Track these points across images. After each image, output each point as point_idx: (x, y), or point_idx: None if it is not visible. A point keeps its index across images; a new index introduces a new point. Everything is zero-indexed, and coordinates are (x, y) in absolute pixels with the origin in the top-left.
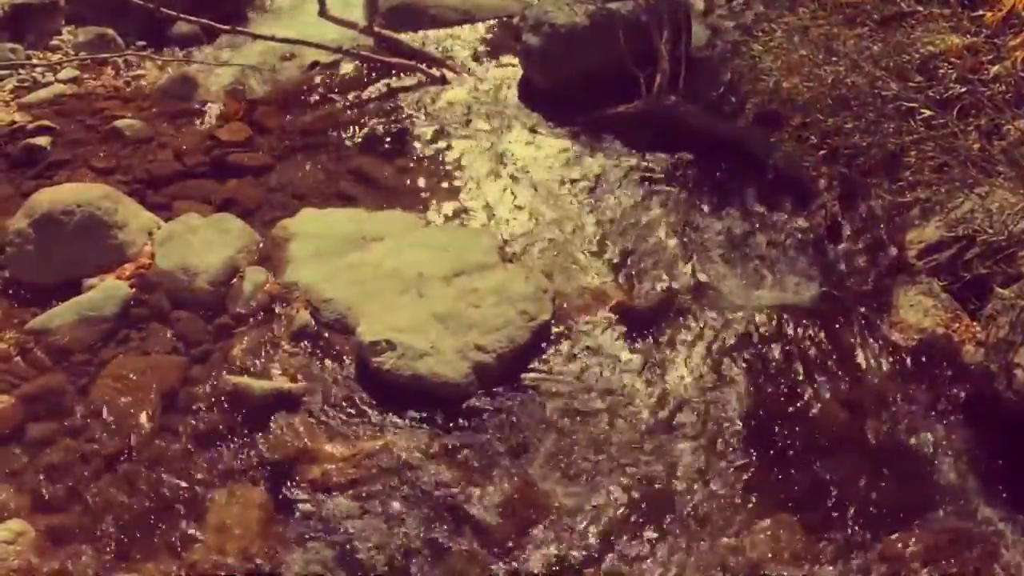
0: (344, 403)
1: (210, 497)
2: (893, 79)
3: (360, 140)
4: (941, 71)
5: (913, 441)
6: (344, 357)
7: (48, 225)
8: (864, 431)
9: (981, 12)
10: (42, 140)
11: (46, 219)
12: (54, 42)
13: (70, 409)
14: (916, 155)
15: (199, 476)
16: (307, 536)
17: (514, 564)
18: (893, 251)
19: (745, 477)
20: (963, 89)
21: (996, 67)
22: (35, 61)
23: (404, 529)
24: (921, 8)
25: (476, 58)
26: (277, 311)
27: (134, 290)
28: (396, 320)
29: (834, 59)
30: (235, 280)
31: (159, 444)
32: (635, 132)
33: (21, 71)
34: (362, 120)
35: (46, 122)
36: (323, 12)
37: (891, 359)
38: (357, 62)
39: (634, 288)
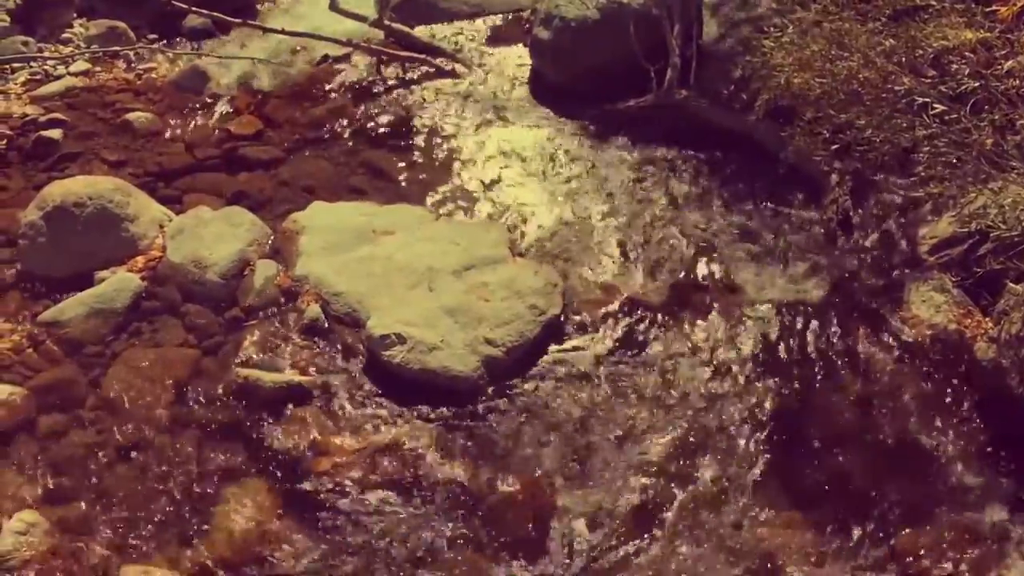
0: (354, 396)
1: (220, 489)
2: (906, 74)
3: (370, 134)
4: (954, 66)
5: (924, 437)
6: (354, 350)
7: (60, 218)
8: (875, 427)
9: (995, 7)
10: (54, 133)
11: (58, 212)
12: (66, 35)
13: (82, 401)
14: (929, 150)
15: (210, 468)
16: (317, 529)
17: (523, 559)
18: (905, 246)
19: (755, 473)
20: (976, 84)
21: (1010, 62)
22: (47, 54)
23: (414, 523)
24: (934, 2)
25: (486, 52)
26: (288, 304)
27: (145, 283)
28: (406, 314)
29: (846, 54)
30: (246, 273)
31: (170, 436)
32: (646, 126)
33: (33, 64)
34: (372, 114)
35: (58, 115)
36: (334, 5)
37: (902, 355)
38: (368, 56)
39: (644, 282)
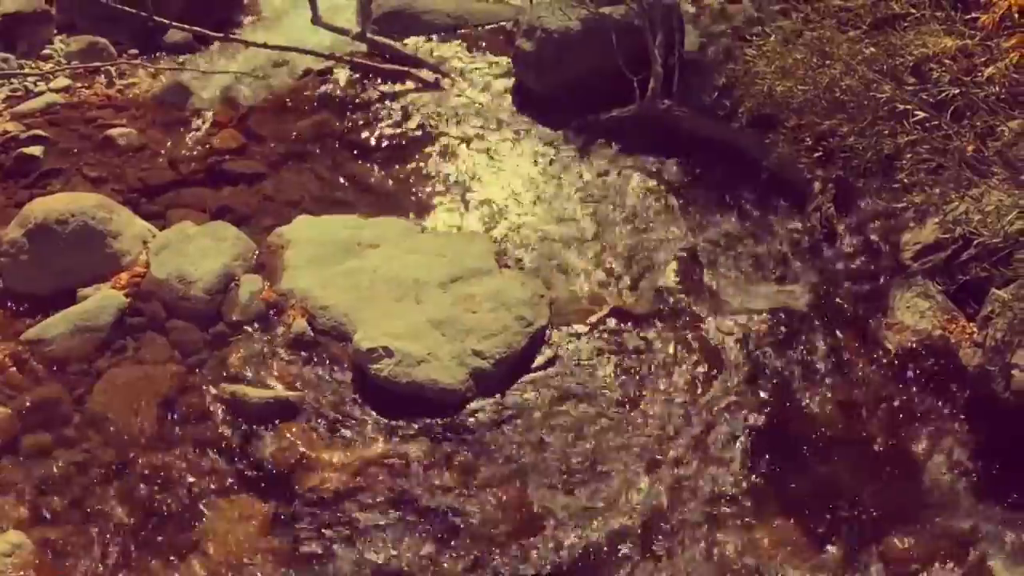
0: (342, 411)
1: (208, 507)
2: (887, 81)
3: (354, 147)
4: (935, 73)
5: (911, 443)
6: (341, 364)
7: (42, 235)
8: (861, 433)
9: (975, 14)
10: (35, 149)
11: (40, 229)
12: (46, 51)
13: (66, 420)
14: (911, 157)
15: (197, 486)
16: (306, 544)
17: (510, 571)
18: (889, 252)
19: (744, 480)
20: (957, 91)
21: (990, 69)
22: (27, 70)
23: (402, 537)
24: (914, 11)
25: (470, 63)
26: (273, 319)
27: (129, 299)
28: (393, 327)
29: (828, 62)
30: (231, 288)
31: (156, 454)
32: (629, 136)
33: (13, 80)
34: (356, 126)
35: (39, 131)
36: (316, 19)
37: (888, 361)
38: (350, 68)
39: (631, 292)
